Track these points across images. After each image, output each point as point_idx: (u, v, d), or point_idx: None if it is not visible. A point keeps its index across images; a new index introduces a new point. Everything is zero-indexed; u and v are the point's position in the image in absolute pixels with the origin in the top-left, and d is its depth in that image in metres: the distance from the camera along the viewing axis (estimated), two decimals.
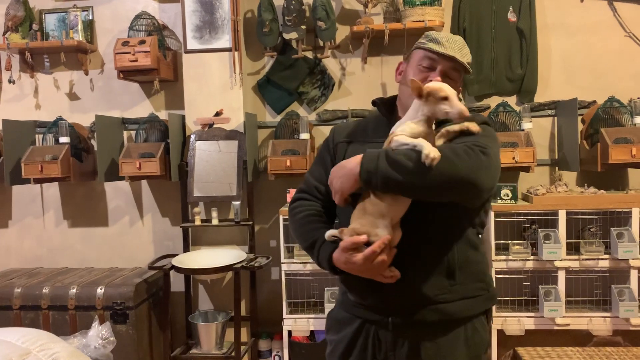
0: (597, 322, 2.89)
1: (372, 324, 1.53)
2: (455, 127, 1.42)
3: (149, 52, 3.17)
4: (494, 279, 2.93)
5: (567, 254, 2.89)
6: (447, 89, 1.36)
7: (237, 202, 3.22)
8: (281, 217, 3.08)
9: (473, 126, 1.42)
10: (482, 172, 1.31)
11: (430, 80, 1.44)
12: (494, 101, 3.28)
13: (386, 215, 1.37)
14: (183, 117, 3.35)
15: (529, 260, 2.91)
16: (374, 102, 1.64)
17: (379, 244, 1.36)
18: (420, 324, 1.47)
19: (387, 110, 1.61)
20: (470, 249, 1.52)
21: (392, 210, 1.38)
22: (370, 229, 1.38)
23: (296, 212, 1.62)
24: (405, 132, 1.37)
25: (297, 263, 3.05)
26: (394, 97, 1.63)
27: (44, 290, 3.08)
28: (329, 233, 1.49)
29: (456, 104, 1.34)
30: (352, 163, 1.40)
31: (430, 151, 1.28)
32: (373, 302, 1.51)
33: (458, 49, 1.51)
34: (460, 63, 1.51)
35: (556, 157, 3.28)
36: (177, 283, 3.36)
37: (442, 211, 1.43)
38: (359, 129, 1.64)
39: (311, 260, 3.00)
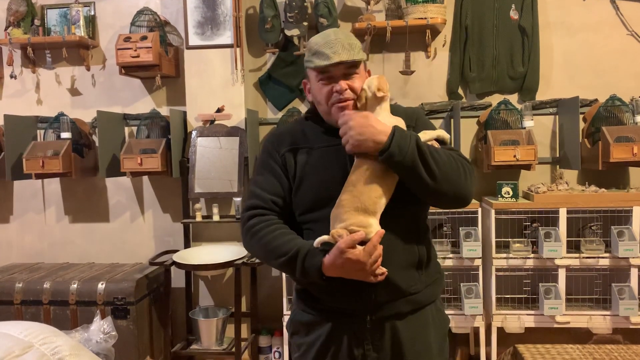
0: (597, 320, 2.90)
1: (346, 323, 1.51)
2: (432, 135, 1.50)
3: (150, 48, 3.17)
4: (493, 276, 2.95)
5: (568, 252, 2.89)
6: (381, 88, 1.47)
7: (238, 199, 3.22)
8: None
9: (445, 135, 1.53)
10: (473, 191, 1.50)
11: (335, 90, 1.49)
12: (495, 99, 3.28)
13: (377, 212, 1.42)
14: (184, 113, 3.35)
15: (529, 258, 2.91)
16: (306, 118, 1.63)
17: (377, 237, 1.38)
18: (396, 316, 1.51)
19: (319, 119, 1.59)
20: (429, 240, 1.61)
21: (380, 205, 1.42)
22: (362, 225, 1.39)
23: (258, 228, 1.50)
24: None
25: None
26: (314, 107, 1.63)
27: (45, 286, 3.09)
28: (320, 240, 1.42)
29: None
30: (381, 126, 1.40)
31: (447, 136, 1.53)
32: (348, 304, 1.49)
33: (342, 48, 1.47)
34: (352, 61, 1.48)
35: (557, 156, 3.28)
36: (177, 279, 3.37)
37: (411, 206, 1.51)
38: (298, 135, 1.59)
39: None
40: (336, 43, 1.47)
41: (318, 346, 1.54)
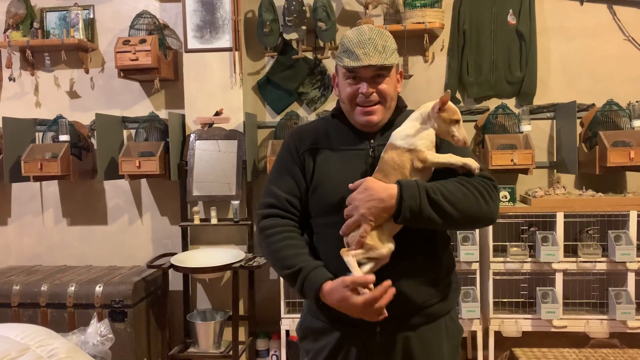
0: (594, 325, 2.90)
1: (355, 333, 1.49)
2: (458, 162, 1.42)
3: (149, 51, 3.18)
4: (491, 279, 2.95)
5: (565, 256, 2.89)
6: (459, 114, 1.42)
7: (236, 202, 3.22)
8: None
9: (473, 163, 1.43)
10: (497, 208, 1.45)
11: (360, 92, 1.45)
12: (493, 103, 3.29)
13: (391, 230, 1.40)
14: (183, 116, 3.36)
15: (526, 262, 2.91)
16: (333, 115, 1.58)
17: (380, 291, 1.34)
18: (408, 328, 1.48)
19: (345, 117, 1.56)
20: (450, 250, 1.58)
21: (396, 226, 1.41)
22: (377, 243, 1.38)
23: (271, 232, 1.50)
24: (428, 146, 1.41)
25: None
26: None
27: (42, 288, 3.08)
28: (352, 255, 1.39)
29: (463, 131, 1.41)
30: (384, 193, 1.35)
31: (475, 166, 1.42)
32: (359, 318, 1.44)
33: (374, 49, 1.42)
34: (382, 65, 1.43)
35: (555, 160, 3.29)
36: (175, 282, 3.36)
37: None
38: (320, 134, 1.56)
39: None
40: (369, 43, 1.43)
41: (326, 354, 1.53)
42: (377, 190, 1.36)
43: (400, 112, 1.55)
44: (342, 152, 1.51)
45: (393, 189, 1.35)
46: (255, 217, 1.63)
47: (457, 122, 1.40)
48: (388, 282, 1.35)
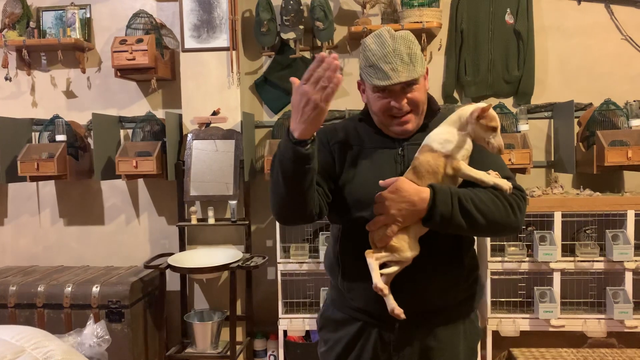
0: (592, 324, 2.90)
1: (374, 326, 1.50)
2: (489, 182, 1.39)
3: (146, 50, 3.17)
4: (488, 279, 2.95)
5: (563, 255, 2.89)
6: (498, 121, 1.40)
7: (234, 202, 3.21)
8: None
9: (505, 184, 1.39)
10: (523, 219, 1.45)
11: (393, 106, 1.42)
12: (490, 103, 3.28)
13: (417, 232, 1.40)
14: (180, 116, 3.35)
15: (524, 261, 2.91)
16: (360, 119, 1.56)
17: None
18: (426, 327, 1.49)
19: (372, 122, 1.54)
20: (473, 253, 1.57)
21: (423, 230, 1.41)
22: (402, 245, 1.38)
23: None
24: (464, 156, 1.40)
25: (293, 263, 3.05)
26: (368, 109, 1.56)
27: (39, 289, 3.07)
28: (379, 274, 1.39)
29: (499, 139, 1.39)
30: (417, 197, 1.34)
31: (507, 187, 1.39)
32: (379, 310, 1.45)
33: (401, 63, 1.39)
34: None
35: (552, 159, 3.29)
36: (172, 282, 3.36)
37: None
38: (350, 132, 1.54)
39: (307, 260, 3.04)
40: (394, 56, 1.38)
41: (344, 344, 1.55)
42: (409, 192, 1.35)
43: (434, 115, 1.53)
44: (372, 149, 1.50)
45: (425, 192, 1.34)
46: (262, 214, 1.60)
47: (494, 129, 1.38)
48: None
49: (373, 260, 1.38)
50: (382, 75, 1.39)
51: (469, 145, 1.40)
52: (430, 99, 1.53)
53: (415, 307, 1.43)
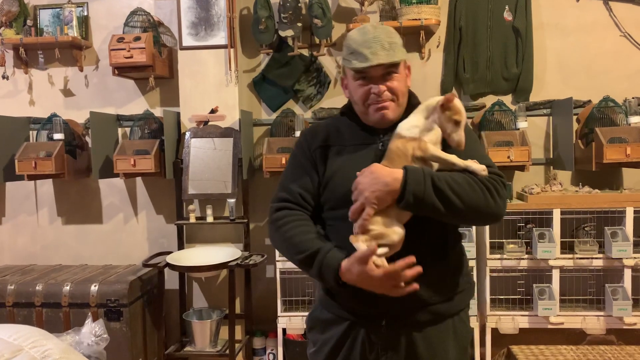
0: (591, 321, 2.90)
1: (362, 326, 1.50)
2: (460, 165, 1.41)
3: (144, 48, 3.16)
4: (487, 276, 2.95)
5: (562, 253, 2.89)
6: (463, 117, 1.41)
7: (232, 200, 3.21)
8: None
9: (477, 166, 1.42)
10: (505, 206, 1.45)
11: (372, 92, 1.46)
12: (489, 100, 3.29)
13: (398, 217, 1.39)
14: (178, 114, 3.34)
15: (523, 259, 2.91)
16: (342, 113, 1.60)
17: (401, 264, 1.33)
18: (413, 324, 1.48)
19: (355, 115, 1.57)
20: (461, 249, 1.57)
21: (404, 214, 1.40)
22: (386, 230, 1.37)
23: (284, 222, 1.51)
24: (433, 141, 1.41)
25: None
26: (350, 103, 1.59)
27: (37, 288, 3.07)
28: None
29: (461, 133, 1.41)
30: (389, 177, 1.35)
31: (481, 170, 1.40)
32: (365, 309, 1.47)
33: (381, 48, 1.42)
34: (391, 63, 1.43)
35: (551, 156, 3.29)
36: (171, 280, 3.35)
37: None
38: (332, 132, 1.57)
39: None
40: (375, 42, 1.42)
41: (332, 345, 1.55)
42: (382, 174, 1.37)
43: (413, 108, 1.54)
44: (352, 147, 1.52)
45: (398, 173, 1.36)
46: (269, 213, 1.62)
47: (457, 123, 1.40)
48: (412, 258, 1.34)
49: (360, 243, 1.37)
50: (362, 59, 1.43)
51: (437, 131, 1.42)
52: (411, 94, 1.56)
53: (401, 302, 1.41)
